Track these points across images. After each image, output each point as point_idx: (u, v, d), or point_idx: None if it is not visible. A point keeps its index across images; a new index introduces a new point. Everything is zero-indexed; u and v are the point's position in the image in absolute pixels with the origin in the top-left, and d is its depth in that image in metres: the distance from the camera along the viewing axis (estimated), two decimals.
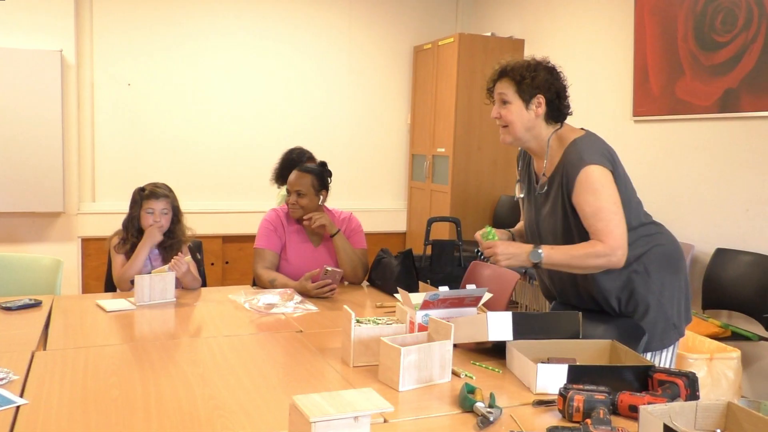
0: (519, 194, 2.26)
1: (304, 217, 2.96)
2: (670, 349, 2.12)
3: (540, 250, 1.99)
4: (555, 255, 1.98)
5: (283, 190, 4.20)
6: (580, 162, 1.98)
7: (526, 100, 2.05)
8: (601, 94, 4.58)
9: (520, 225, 2.39)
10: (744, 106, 3.61)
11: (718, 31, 3.74)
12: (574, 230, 2.05)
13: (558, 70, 2.10)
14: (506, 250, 2.03)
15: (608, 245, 1.93)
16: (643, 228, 2.09)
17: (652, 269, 2.06)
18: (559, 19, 5.11)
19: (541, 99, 2.05)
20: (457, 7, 6.29)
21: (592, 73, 4.68)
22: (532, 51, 5.35)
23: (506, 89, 2.08)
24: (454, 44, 5.44)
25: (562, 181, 2.03)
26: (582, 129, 2.14)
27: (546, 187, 2.12)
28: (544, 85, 2.04)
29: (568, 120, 2.16)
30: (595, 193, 1.96)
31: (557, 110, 2.08)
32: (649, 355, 2.08)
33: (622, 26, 4.44)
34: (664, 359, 2.11)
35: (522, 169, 2.27)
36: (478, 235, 2.14)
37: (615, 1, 4.52)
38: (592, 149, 2.01)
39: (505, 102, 2.08)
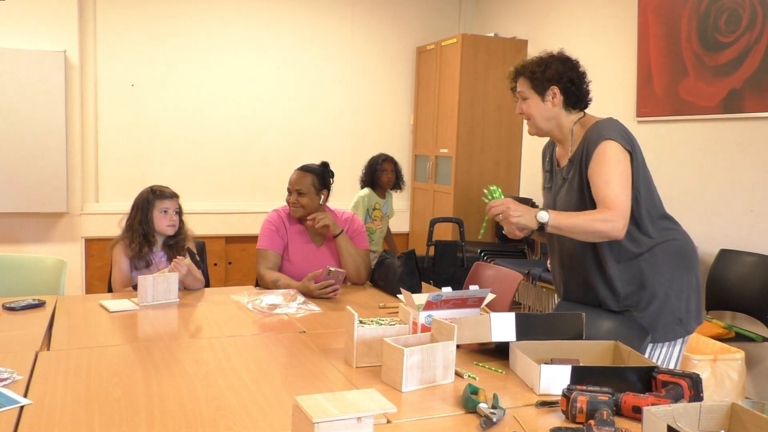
0: (547, 184, 2.33)
1: (308, 218, 2.96)
2: (677, 345, 2.11)
3: (547, 212, 2.01)
4: (561, 218, 2.01)
5: (362, 192, 4.63)
6: (600, 137, 2.06)
7: (541, 93, 2.17)
8: (604, 94, 4.57)
9: None
10: (748, 106, 3.60)
11: (722, 32, 3.74)
12: (587, 207, 2.08)
13: (572, 60, 2.20)
14: (517, 206, 2.03)
15: (613, 212, 1.97)
16: (661, 221, 2.13)
17: (662, 261, 2.08)
18: (562, 19, 5.10)
19: (555, 90, 2.15)
20: (460, 7, 6.29)
21: (595, 74, 4.64)
22: (535, 52, 5.32)
23: (523, 87, 2.21)
24: (457, 45, 5.44)
25: (582, 158, 2.09)
26: (607, 118, 2.20)
27: (567, 169, 2.18)
28: (555, 77, 2.14)
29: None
30: (609, 165, 2.02)
31: (575, 97, 2.17)
32: (650, 347, 2.07)
33: (625, 27, 4.44)
34: (667, 354, 2.10)
35: (548, 161, 2.34)
36: (488, 208, 2.11)
37: (618, 1, 4.52)
38: (613, 128, 2.09)
39: (524, 99, 2.20)
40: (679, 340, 2.12)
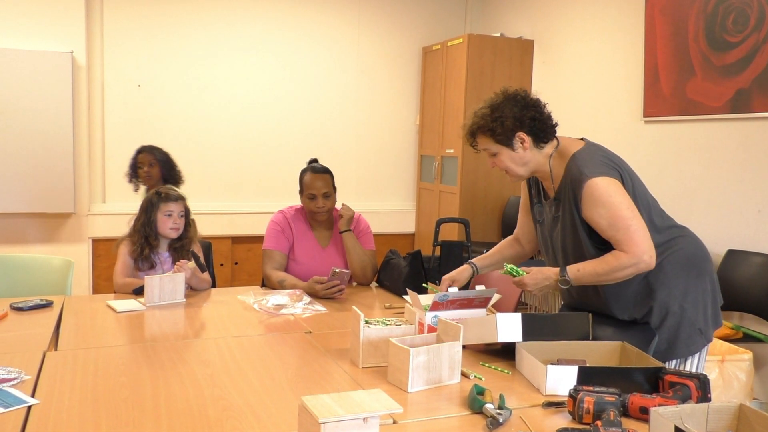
0: (538, 217, 2.24)
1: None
2: (697, 356, 2.05)
3: (568, 276, 2.00)
4: (582, 276, 2.00)
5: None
6: (582, 176, 1.97)
7: (509, 144, 2.06)
8: (611, 94, 4.56)
9: (487, 255, 2.43)
10: (755, 106, 3.58)
11: (730, 31, 3.72)
12: (585, 245, 2.03)
13: (521, 95, 2.08)
14: (536, 284, 2.09)
15: (633, 254, 1.91)
16: (665, 231, 2.06)
17: (672, 273, 2.02)
18: (568, 19, 5.09)
19: (521, 135, 2.04)
20: (466, 7, 6.28)
21: (603, 74, 4.66)
22: (542, 52, 5.34)
23: (486, 144, 2.11)
24: (463, 45, 5.43)
25: (570, 197, 2.02)
26: (582, 140, 2.11)
27: (555, 206, 2.11)
28: (515, 123, 2.03)
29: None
30: (605, 204, 1.93)
31: (542, 132, 2.06)
32: (675, 363, 2.03)
33: (632, 27, 4.43)
34: (690, 367, 2.05)
35: (535, 192, 2.25)
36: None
37: (625, 1, 4.51)
38: (592, 161, 1.99)
39: (493, 154, 2.11)
40: (700, 351, 2.06)
